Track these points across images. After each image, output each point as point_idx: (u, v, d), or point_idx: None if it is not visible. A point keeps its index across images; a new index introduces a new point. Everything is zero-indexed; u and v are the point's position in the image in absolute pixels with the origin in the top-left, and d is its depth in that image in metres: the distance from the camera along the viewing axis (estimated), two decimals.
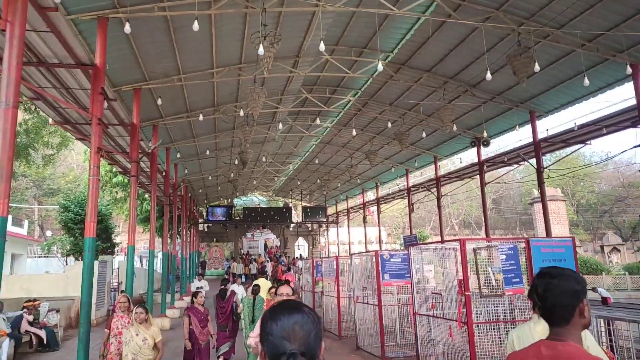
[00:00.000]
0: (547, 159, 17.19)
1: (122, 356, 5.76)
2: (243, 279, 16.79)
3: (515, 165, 20.08)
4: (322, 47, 10.30)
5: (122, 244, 35.65)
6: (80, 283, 8.09)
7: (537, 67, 10.71)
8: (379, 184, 32.77)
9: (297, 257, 35.82)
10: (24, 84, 9.36)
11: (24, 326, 11.72)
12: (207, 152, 21.99)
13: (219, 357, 8.65)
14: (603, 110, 14.60)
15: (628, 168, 49.47)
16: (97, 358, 6.84)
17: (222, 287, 10.84)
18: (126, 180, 27.54)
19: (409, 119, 20.19)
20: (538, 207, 35.54)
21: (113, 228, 30.34)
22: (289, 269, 26.46)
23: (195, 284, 16.37)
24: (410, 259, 9.14)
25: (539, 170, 15.97)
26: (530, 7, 11.77)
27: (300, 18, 12.44)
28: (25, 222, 37.37)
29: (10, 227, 32.12)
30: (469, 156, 26.00)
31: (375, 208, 34.54)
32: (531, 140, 16.66)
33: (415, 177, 31.34)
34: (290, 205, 45.69)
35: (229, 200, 43.28)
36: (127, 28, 8.77)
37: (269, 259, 34.97)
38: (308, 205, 44.17)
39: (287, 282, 13.60)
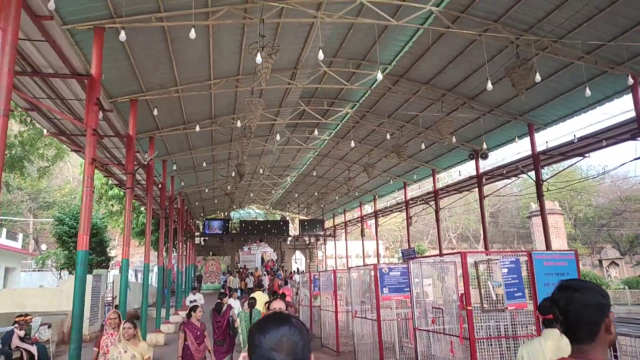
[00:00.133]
0: (545, 173, 17.10)
1: None
2: (239, 293, 16.55)
3: (514, 178, 20.00)
4: (320, 55, 10.23)
5: (117, 258, 35.31)
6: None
7: (538, 78, 10.66)
8: (376, 197, 32.63)
9: (294, 271, 35.49)
10: (18, 94, 9.26)
11: (15, 342, 11.42)
12: (204, 164, 21.84)
13: None
14: (602, 123, 14.57)
15: (625, 181, 49.52)
16: None
17: (219, 300, 10.65)
18: (122, 193, 27.32)
19: (407, 132, 20.13)
20: (536, 220, 35.38)
21: (108, 241, 30.07)
22: (286, 283, 26.16)
23: (190, 298, 16.10)
24: (409, 273, 8.97)
25: (538, 183, 15.87)
26: (528, 19, 11.76)
27: (298, 29, 12.41)
28: (20, 236, 37.04)
29: (4, 241, 31.82)
30: (467, 169, 25.93)
31: (372, 221, 34.35)
32: (530, 153, 16.59)
33: (413, 190, 31.23)
34: (288, 218, 45.44)
35: (226, 213, 43.03)
36: (123, 36, 8.66)
37: (266, 273, 34.64)
38: (305, 218, 43.94)
39: (283, 296, 13.44)
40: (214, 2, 10.07)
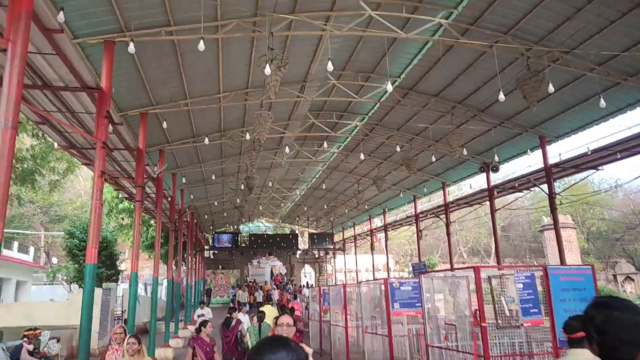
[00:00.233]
0: (557, 186, 16.81)
1: None
2: (248, 308, 16.40)
3: (526, 192, 19.74)
4: (330, 67, 10.19)
5: (127, 271, 35.28)
6: None
7: (551, 88, 10.53)
8: (386, 210, 32.41)
9: (303, 285, 35.24)
10: (29, 107, 9.31)
11: (24, 356, 11.31)
12: (213, 177, 21.85)
13: None
14: (615, 135, 14.35)
15: (638, 195, 48.78)
16: None
17: (228, 315, 10.52)
18: (132, 206, 27.38)
19: (417, 144, 20.01)
20: (548, 234, 34.85)
21: (118, 254, 30.04)
22: (295, 297, 25.93)
23: (198, 312, 15.93)
24: (421, 288, 8.80)
25: (551, 196, 15.63)
26: (538, 31, 11.67)
27: (307, 42, 12.42)
28: (31, 249, 37.24)
29: (15, 254, 32.00)
30: (477, 182, 25.68)
31: (382, 235, 34.10)
32: (542, 165, 16.38)
33: (423, 204, 30.98)
34: (297, 232, 45.29)
35: (235, 226, 42.99)
36: (131, 48, 8.69)
37: (275, 287, 34.43)
38: (315, 232, 43.76)
39: (292, 310, 13.27)
40: (223, 15, 10.10)
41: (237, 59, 12.46)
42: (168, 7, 9.29)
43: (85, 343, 7.62)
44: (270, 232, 45.82)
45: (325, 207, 34.72)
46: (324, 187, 29.25)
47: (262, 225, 48.98)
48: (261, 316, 8.79)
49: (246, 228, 46.82)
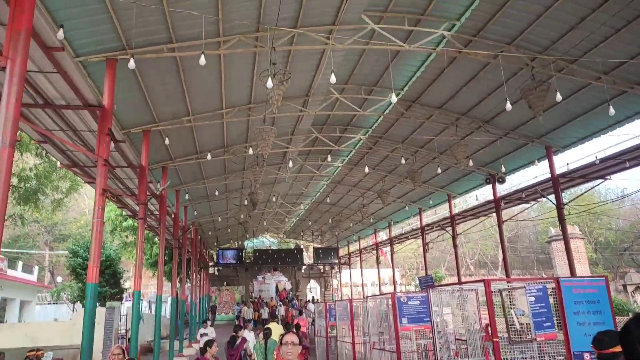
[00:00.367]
0: (564, 197, 16.59)
1: None
2: (252, 325, 16.11)
3: (533, 202, 19.53)
4: (333, 79, 10.12)
5: (131, 289, 35.07)
6: None
7: (559, 97, 10.41)
8: (392, 224, 32.19)
9: (308, 300, 34.89)
10: (31, 126, 9.26)
11: None
12: (217, 193, 21.75)
13: None
14: (623, 144, 14.19)
15: None
16: None
17: (234, 333, 10.33)
18: (136, 224, 27.30)
19: (422, 157, 19.89)
20: (556, 245, 34.46)
21: (122, 273, 29.93)
22: (301, 313, 25.60)
23: (201, 332, 15.50)
24: (429, 302, 8.61)
25: (559, 206, 15.42)
26: (543, 40, 11.60)
27: (309, 57, 12.38)
28: (35, 269, 37.11)
29: (19, 274, 31.87)
30: (483, 194, 25.52)
31: (388, 248, 33.83)
32: (548, 176, 16.20)
33: (429, 216, 30.76)
34: (302, 246, 45.01)
35: (240, 242, 42.80)
36: (132, 64, 8.64)
37: (281, 303, 34.10)
38: (319, 246, 43.48)
39: (298, 326, 13.06)
40: (225, 31, 10.08)
41: (240, 75, 12.43)
42: (170, 24, 9.27)
43: None
44: (274, 248, 45.58)
45: (330, 221, 34.53)
46: (328, 201, 29.10)
47: (267, 241, 48.75)
48: (267, 333, 8.64)
49: (250, 244, 46.60)
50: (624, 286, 39.87)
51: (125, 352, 6.27)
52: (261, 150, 12.99)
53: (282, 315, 28.77)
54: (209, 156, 15.66)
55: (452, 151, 15.27)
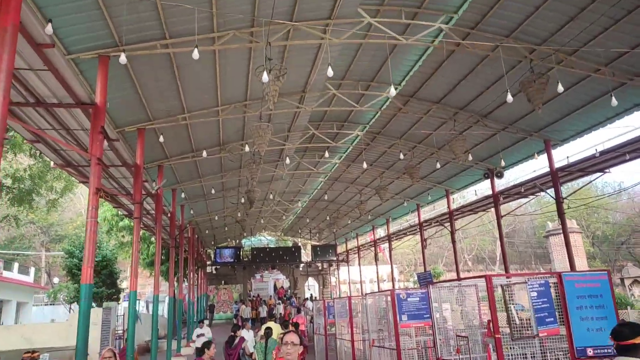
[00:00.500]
0: (562, 191, 16.49)
1: None
2: (250, 324, 15.97)
3: (532, 197, 19.44)
4: (330, 72, 9.97)
5: (128, 289, 34.94)
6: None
7: (560, 88, 10.30)
8: (390, 220, 32.10)
9: (306, 298, 34.80)
10: (23, 125, 9.10)
11: None
12: (213, 192, 21.59)
13: None
14: (620, 137, 14.08)
15: None
16: None
17: (232, 333, 10.23)
18: (132, 224, 27.15)
19: (420, 152, 19.78)
20: (554, 239, 34.49)
21: (118, 273, 29.72)
22: (299, 311, 25.49)
23: (197, 332, 15.27)
24: (429, 298, 8.51)
25: (558, 200, 15.34)
26: (541, 32, 11.48)
27: (305, 52, 12.22)
28: (32, 270, 36.93)
29: (16, 275, 31.67)
30: (480, 189, 25.41)
31: (386, 245, 33.75)
32: (547, 170, 16.11)
33: (426, 212, 30.67)
34: (300, 244, 44.90)
35: (237, 241, 42.65)
36: (123, 58, 8.47)
37: (280, 301, 33.99)
38: (317, 244, 43.38)
39: (296, 325, 12.94)
40: (219, 26, 9.91)
41: (235, 71, 12.26)
42: (163, 19, 9.10)
43: None
44: (272, 246, 45.45)
45: (328, 218, 34.41)
46: (326, 198, 28.96)
47: (264, 239, 48.64)
48: (268, 332, 8.56)
49: (248, 242, 46.47)
50: (622, 280, 39.96)
51: (117, 355, 6.10)
52: (258, 147, 12.86)
53: (280, 314, 28.68)
54: (204, 153, 15.51)
55: (450, 146, 15.16)
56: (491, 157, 18.58)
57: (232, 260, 38.59)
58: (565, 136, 15.57)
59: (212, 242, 39.20)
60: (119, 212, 21.74)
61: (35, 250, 48.99)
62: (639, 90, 12.16)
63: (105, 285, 25.33)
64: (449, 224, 23.11)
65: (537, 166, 25.12)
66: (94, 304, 23.82)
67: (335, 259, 41.52)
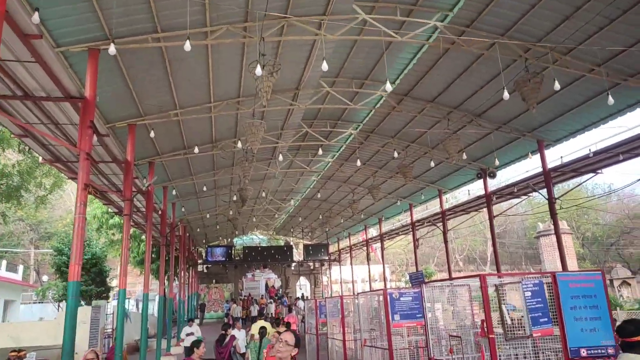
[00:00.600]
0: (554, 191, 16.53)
1: None
2: (241, 323, 15.81)
3: (524, 197, 19.45)
4: (325, 66, 9.84)
5: (117, 288, 34.66)
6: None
7: (557, 86, 10.27)
8: (382, 219, 32.06)
9: (298, 297, 34.70)
10: (10, 119, 8.90)
11: None
12: (205, 189, 21.41)
13: None
14: (613, 138, 14.08)
15: (632, 199, 48.83)
16: None
17: (223, 332, 10.10)
18: (123, 222, 26.90)
19: (413, 152, 19.73)
20: (545, 240, 34.65)
21: (108, 271, 29.45)
22: (290, 310, 25.37)
23: (186, 331, 15.01)
24: (422, 298, 8.43)
25: (551, 201, 15.34)
26: (537, 31, 11.44)
27: (300, 48, 12.10)
28: (20, 267, 36.44)
29: (3, 273, 31.23)
30: (473, 189, 25.43)
31: (378, 245, 33.71)
32: (540, 170, 16.10)
33: (419, 212, 30.66)
34: (292, 243, 44.78)
35: (229, 240, 42.44)
36: (112, 49, 8.28)
37: (272, 301, 33.85)
38: (309, 243, 43.29)
39: (288, 324, 12.83)
40: (212, 21, 9.76)
41: (228, 67, 12.11)
42: (154, 12, 8.93)
43: None
44: (264, 245, 45.29)
45: (320, 217, 34.32)
46: (318, 197, 28.86)
47: (256, 238, 48.46)
48: (262, 332, 8.49)
49: (240, 241, 46.25)
50: (611, 281, 40.23)
51: (99, 357, 5.91)
52: (250, 145, 12.72)
53: (271, 313, 28.56)
54: (196, 150, 15.33)
55: (444, 145, 15.10)
56: (485, 157, 18.56)
57: (223, 259, 38.38)
58: (559, 136, 15.57)
59: (204, 241, 38.96)
60: (109, 209, 21.50)
61: (24, 247, 48.47)
62: (632, 91, 12.16)
63: (95, 283, 25.07)
64: (441, 224, 23.10)
65: (529, 166, 25.18)
66: (82, 302, 23.55)
67: (327, 258, 41.45)
